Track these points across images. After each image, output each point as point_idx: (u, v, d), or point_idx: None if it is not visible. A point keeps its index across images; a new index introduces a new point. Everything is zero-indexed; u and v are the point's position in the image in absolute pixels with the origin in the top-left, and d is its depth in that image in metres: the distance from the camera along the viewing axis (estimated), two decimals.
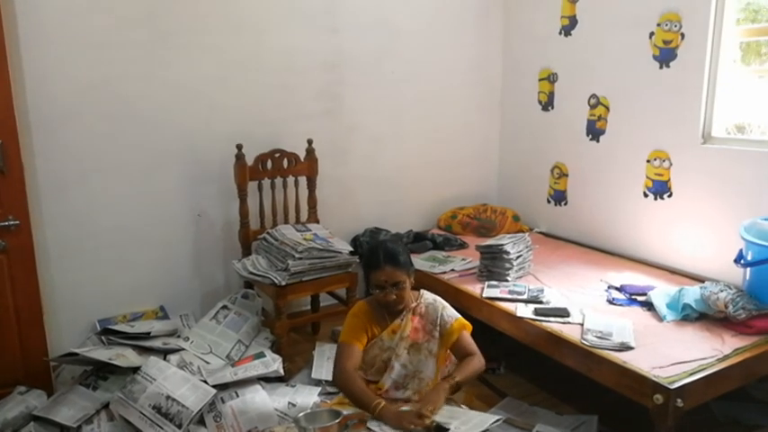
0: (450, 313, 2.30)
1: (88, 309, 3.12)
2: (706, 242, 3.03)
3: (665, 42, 3.10)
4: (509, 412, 2.71)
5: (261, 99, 3.41)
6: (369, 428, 1.98)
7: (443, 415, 2.01)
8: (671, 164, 3.16)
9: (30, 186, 2.80)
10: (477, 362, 2.23)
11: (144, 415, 2.44)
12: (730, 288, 2.62)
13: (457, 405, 2.17)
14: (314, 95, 3.57)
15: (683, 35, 3.01)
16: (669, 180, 3.18)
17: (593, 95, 3.54)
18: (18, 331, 2.79)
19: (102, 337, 2.88)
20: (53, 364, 2.88)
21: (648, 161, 3.27)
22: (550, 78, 3.84)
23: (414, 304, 2.28)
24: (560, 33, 3.72)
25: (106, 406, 2.53)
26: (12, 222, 2.69)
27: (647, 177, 3.28)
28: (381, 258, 2.19)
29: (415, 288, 2.35)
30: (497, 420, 2.01)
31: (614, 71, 3.39)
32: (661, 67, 3.13)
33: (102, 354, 2.63)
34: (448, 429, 1.94)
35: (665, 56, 3.10)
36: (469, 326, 2.32)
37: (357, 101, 3.72)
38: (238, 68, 3.32)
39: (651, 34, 3.15)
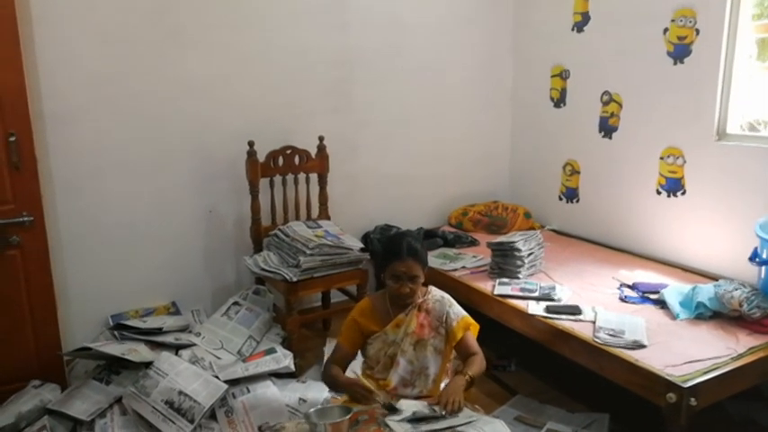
0: (457, 311, 2.30)
1: (101, 304, 3.14)
2: (720, 240, 3.00)
3: (679, 38, 3.06)
4: (519, 410, 2.71)
5: (271, 96, 3.42)
6: (379, 425, 1.98)
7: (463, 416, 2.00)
8: (684, 161, 3.13)
9: (43, 182, 2.82)
10: (482, 361, 2.24)
11: (156, 409, 2.45)
12: (745, 286, 2.60)
13: (470, 406, 2.16)
14: (324, 92, 3.58)
15: (697, 31, 2.98)
16: (683, 177, 3.15)
17: (606, 92, 3.52)
18: (32, 326, 2.81)
19: (115, 332, 2.90)
20: (67, 359, 2.90)
21: (662, 158, 3.24)
22: (563, 75, 3.82)
23: (420, 300, 2.28)
24: (573, 29, 3.69)
25: (119, 400, 2.55)
26: (26, 218, 2.71)
27: (661, 174, 3.26)
28: (405, 250, 2.20)
29: (424, 284, 2.35)
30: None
31: (627, 67, 3.37)
32: (675, 64, 3.10)
33: (115, 349, 2.65)
34: (398, 410, 1.98)
35: (680, 52, 3.07)
36: (476, 325, 2.31)
37: (367, 98, 3.72)
38: (249, 65, 3.33)
39: (665, 30, 3.12)
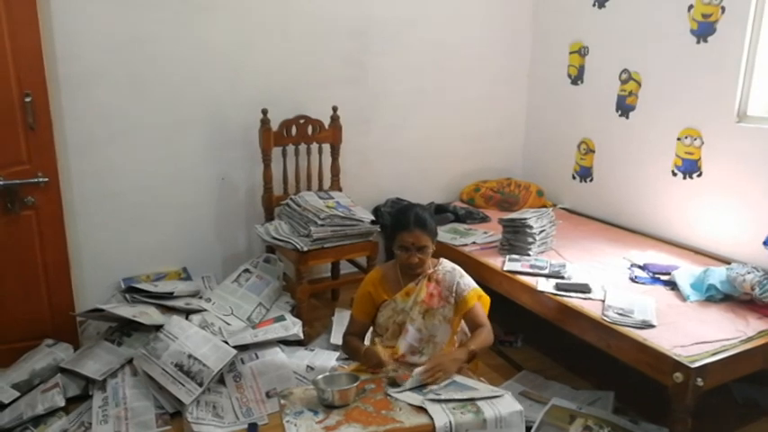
0: (468, 282, 2.32)
1: (113, 267, 3.18)
2: (734, 223, 2.97)
3: (704, 16, 3.00)
4: (525, 385, 2.73)
5: (287, 64, 3.39)
6: (386, 394, 2.00)
7: (453, 387, 2.03)
8: (702, 142, 3.09)
9: (58, 143, 2.83)
10: (488, 334, 2.25)
11: (166, 372, 2.50)
12: (758, 270, 2.58)
13: (476, 377, 2.18)
14: (340, 62, 3.54)
15: (723, 9, 2.91)
16: (700, 159, 3.11)
17: (625, 70, 3.46)
18: (46, 286, 2.86)
19: (127, 295, 2.93)
20: (79, 320, 2.95)
21: (679, 139, 3.19)
22: (581, 52, 3.75)
23: (431, 270, 2.30)
24: (594, 5, 3.62)
25: (130, 361, 2.60)
26: (41, 179, 2.74)
27: (677, 156, 3.21)
28: (411, 221, 2.22)
29: (434, 256, 2.36)
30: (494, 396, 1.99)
31: (648, 45, 3.30)
32: (698, 42, 3.04)
33: (127, 311, 2.69)
34: (399, 385, 2.03)
35: (704, 30, 3.01)
36: (486, 297, 2.33)
37: (382, 69, 3.68)
38: (265, 32, 3.30)
39: (690, 7, 3.05)
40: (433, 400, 1.92)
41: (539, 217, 3.14)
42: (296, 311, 3.08)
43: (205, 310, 2.91)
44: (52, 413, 2.42)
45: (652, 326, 2.33)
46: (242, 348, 2.70)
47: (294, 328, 2.85)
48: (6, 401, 2.48)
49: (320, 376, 2.05)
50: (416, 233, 2.21)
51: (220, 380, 2.62)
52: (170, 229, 3.30)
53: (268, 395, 2.59)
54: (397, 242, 2.26)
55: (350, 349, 2.37)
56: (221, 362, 2.56)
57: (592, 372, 2.82)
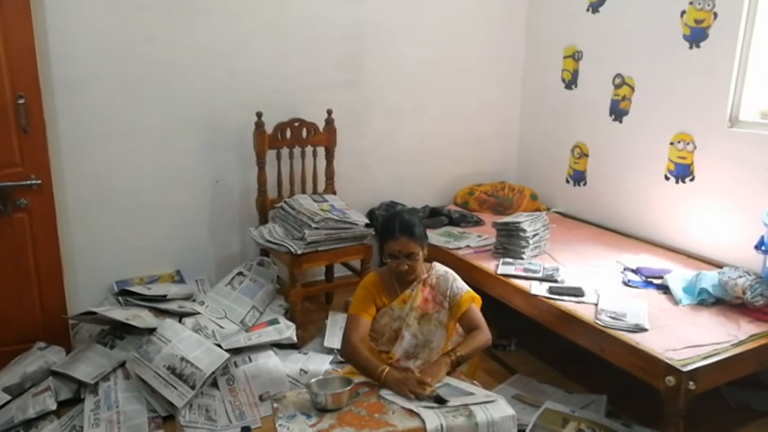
0: (461, 285, 2.32)
1: (106, 270, 3.17)
2: (726, 227, 2.98)
3: (696, 21, 3.02)
4: (518, 389, 2.74)
5: (281, 67, 3.39)
6: (380, 396, 2.00)
7: (446, 389, 2.03)
8: (695, 147, 3.10)
9: (52, 146, 2.82)
10: (483, 336, 2.23)
11: (159, 375, 2.49)
12: (749, 274, 2.60)
13: (468, 380, 2.18)
14: (335, 66, 3.55)
15: (715, 14, 2.93)
16: (692, 163, 3.12)
17: (619, 75, 3.48)
18: (39, 289, 2.85)
19: (120, 298, 2.93)
20: (72, 322, 2.94)
21: (672, 144, 3.21)
22: (575, 56, 3.77)
23: (425, 276, 2.30)
24: (588, 10, 3.63)
25: (122, 364, 2.59)
26: (34, 181, 2.73)
27: (670, 160, 3.23)
28: (397, 229, 2.21)
29: (428, 260, 2.36)
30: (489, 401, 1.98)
31: (642, 50, 3.32)
32: (691, 48, 3.06)
33: (120, 314, 2.68)
34: (446, 401, 1.96)
35: (696, 35, 3.03)
36: (479, 299, 2.33)
37: (377, 73, 3.69)
38: (260, 35, 3.30)
39: (683, 13, 3.07)
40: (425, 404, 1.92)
41: (532, 221, 3.15)
42: (290, 315, 3.08)
43: (198, 313, 2.90)
44: (44, 417, 2.41)
45: (644, 329, 2.34)
46: (235, 352, 2.69)
47: (288, 331, 2.85)
48: None
49: (313, 380, 2.04)
50: (402, 241, 2.20)
51: (213, 383, 2.61)
52: (164, 232, 3.30)
53: (261, 398, 2.59)
54: (386, 251, 2.26)
55: (362, 360, 2.13)
56: (214, 365, 2.56)
57: (585, 375, 2.83)
